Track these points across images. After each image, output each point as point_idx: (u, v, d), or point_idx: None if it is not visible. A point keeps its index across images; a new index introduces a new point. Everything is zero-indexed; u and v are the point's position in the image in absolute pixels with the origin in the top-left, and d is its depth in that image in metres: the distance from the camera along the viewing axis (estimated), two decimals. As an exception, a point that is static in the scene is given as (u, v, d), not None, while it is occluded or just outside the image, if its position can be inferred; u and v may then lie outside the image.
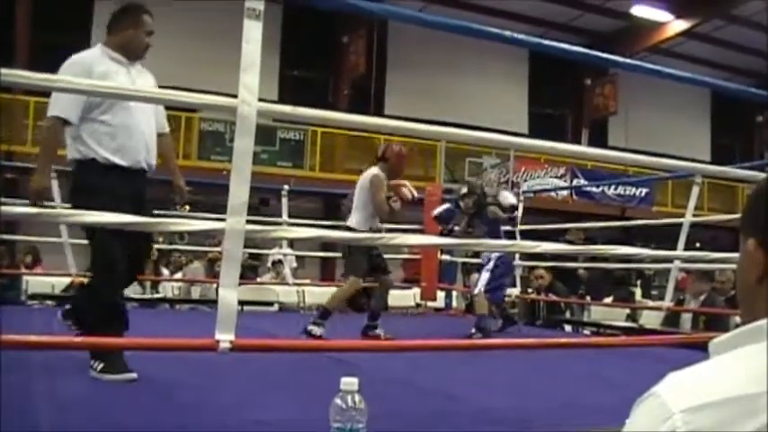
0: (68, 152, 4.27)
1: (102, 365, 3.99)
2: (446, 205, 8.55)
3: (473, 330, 7.45)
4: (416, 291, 11.10)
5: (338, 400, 2.10)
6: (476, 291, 7.78)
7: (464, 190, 8.32)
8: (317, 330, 6.35)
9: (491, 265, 7.75)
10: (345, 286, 7.11)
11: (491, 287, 7.73)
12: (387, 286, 7.39)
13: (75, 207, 3.99)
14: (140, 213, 3.50)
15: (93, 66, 4.16)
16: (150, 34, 4.56)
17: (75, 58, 4.23)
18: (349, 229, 6.77)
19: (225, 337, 2.78)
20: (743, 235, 1.26)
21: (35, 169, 4.24)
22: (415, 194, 7.16)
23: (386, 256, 12.33)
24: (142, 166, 4.35)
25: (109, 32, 4.45)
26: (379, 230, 6.66)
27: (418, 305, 11.27)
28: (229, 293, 2.82)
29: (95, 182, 4.14)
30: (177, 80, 15.66)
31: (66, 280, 9.68)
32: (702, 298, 7.97)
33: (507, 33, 3.85)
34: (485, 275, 7.73)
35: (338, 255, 16.25)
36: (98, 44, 4.43)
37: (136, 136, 4.26)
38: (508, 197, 8.14)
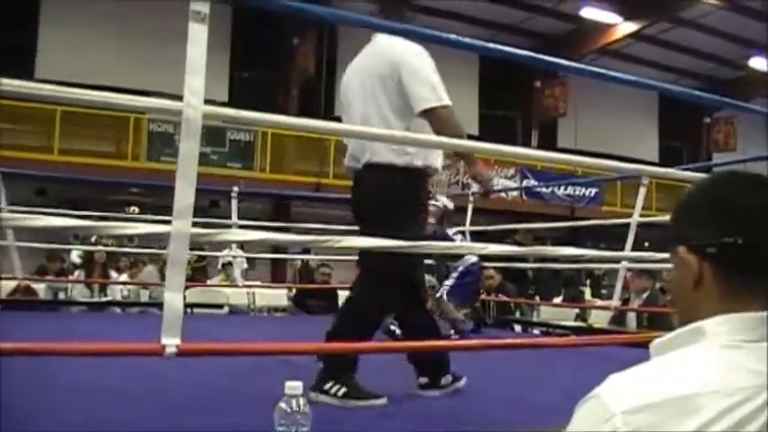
0: (372, 155, 4.00)
1: (344, 390, 3.81)
2: None
3: (451, 332, 7.54)
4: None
5: (282, 404, 2.09)
6: (437, 295, 7.83)
7: None
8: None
9: (458, 273, 7.85)
10: None
11: (453, 292, 7.83)
12: None
13: (390, 221, 3.83)
14: None
15: None
16: None
17: (419, 47, 3.99)
18: None
19: (171, 342, 2.75)
20: (672, 244, 1.29)
21: (472, 162, 4.10)
22: None
23: (339, 257, 12.38)
24: None
25: (398, 19, 4.08)
26: None
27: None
28: (175, 297, 2.79)
29: (419, 195, 4.04)
30: (124, 80, 15.61)
31: (12, 283, 9.55)
32: (645, 295, 8.07)
33: (453, 37, 3.84)
34: (449, 282, 7.83)
35: (287, 256, 16.30)
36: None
37: None
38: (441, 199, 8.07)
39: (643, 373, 1.17)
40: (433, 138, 3.89)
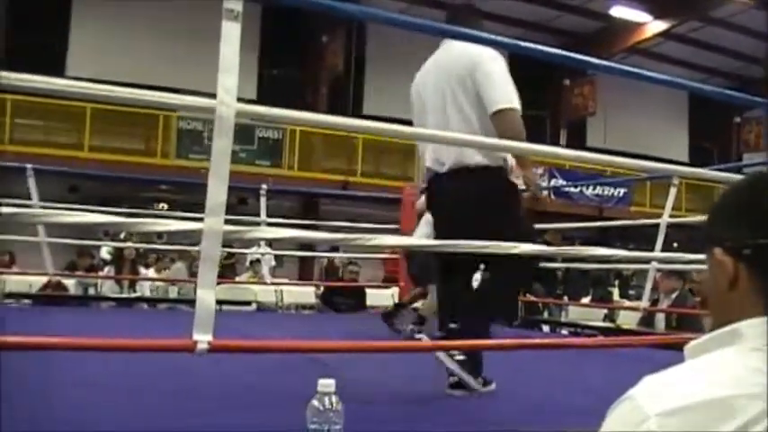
0: (462, 157, 4.09)
1: (482, 381, 4.09)
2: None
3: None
4: (394, 290, 11.09)
5: (315, 402, 2.10)
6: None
7: None
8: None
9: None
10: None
11: None
12: None
13: (481, 221, 4.01)
14: None
15: None
16: None
17: (494, 51, 4.15)
18: None
19: (203, 338, 2.77)
20: (707, 244, 1.28)
21: (525, 165, 4.23)
22: None
23: (365, 255, 12.39)
24: None
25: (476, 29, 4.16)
26: None
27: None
28: (207, 294, 2.81)
29: (510, 194, 4.20)
30: (153, 78, 15.69)
31: (44, 279, 9.64)
32: (674, 296, 8.02)
33: (485, 35, 3.86)
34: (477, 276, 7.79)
35: (315, 254, 16.35)
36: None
37: None
38: None
39: (678, 375, 1.16)
40: (477, 138, 3.92)
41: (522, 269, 4.34)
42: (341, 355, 4.42)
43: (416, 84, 4.46)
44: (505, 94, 4.04)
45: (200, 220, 2.89)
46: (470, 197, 4.10)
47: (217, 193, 2.84)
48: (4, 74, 2.72)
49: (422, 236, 6.53)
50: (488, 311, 4.32)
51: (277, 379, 4.21)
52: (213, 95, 2.87)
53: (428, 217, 6.62)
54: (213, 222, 2.83)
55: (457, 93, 4.10)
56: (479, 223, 4.00)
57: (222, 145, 2.86)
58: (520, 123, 4.04)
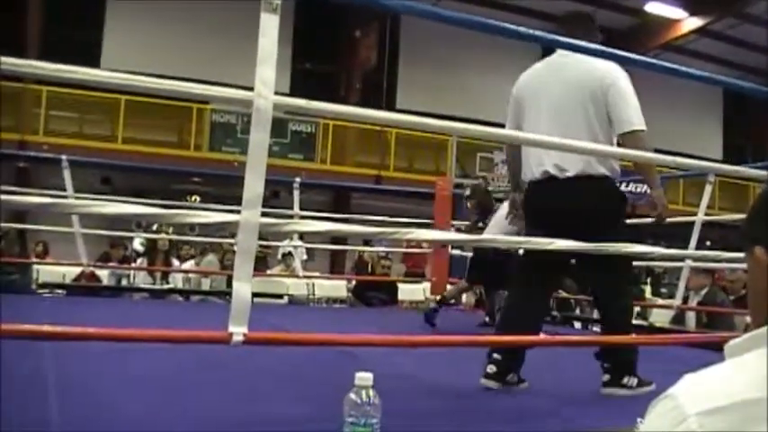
0: (586, 166, 4.20)
1: (636, 380, 4.16)
2: None
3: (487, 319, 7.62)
4: (426, 285, 11.08)
5: (353, 395, 2.10)
6: None
7: (467, 192, 8.45)
8: None
9: None
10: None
11: None
12: None
13: (614, 226, 4.26)
14: None
15: None
16: None
17: (621, 68, 4.31)
18: None
19: (238, 330, 2.78)
20: (747, 243, 1.27)
21: (656, 186, 4.48)
22: None
23: (388, 249, 12.39)
24: None
25: (591, 40, 4.26)
26: None
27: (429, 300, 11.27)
28: (243, 287, 2.82)
29: (623, 203, 4.52)
30: (187, 71, 15.76)
31: (77, 269, 9.71)
32: (704, 292, 7.99)
33: (522, 29, 3.85)
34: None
35: (347, 247, 16.38)
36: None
37: None
38: None
39: (718, 375, 1.15)
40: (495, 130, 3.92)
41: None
42: (372, 349, 4.43)
43: (523, 87, 4.49)
44: (637, 115, 4.20)
45: (235, 212, 2.91)
46: (595, 203, 4.26)
47: (254, 185, 2.84)
48: (45, 64, 2.74)
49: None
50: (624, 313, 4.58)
51: (311, 372, 4.22)
52: (246, 89, 2.88)
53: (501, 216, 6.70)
54: (250, 215, 2.84)
55: (587, 106, 4.19)
56: (596, 227, 4.17)
57: (259, 137, 2.87)
58: (648, 144, 4.23)
